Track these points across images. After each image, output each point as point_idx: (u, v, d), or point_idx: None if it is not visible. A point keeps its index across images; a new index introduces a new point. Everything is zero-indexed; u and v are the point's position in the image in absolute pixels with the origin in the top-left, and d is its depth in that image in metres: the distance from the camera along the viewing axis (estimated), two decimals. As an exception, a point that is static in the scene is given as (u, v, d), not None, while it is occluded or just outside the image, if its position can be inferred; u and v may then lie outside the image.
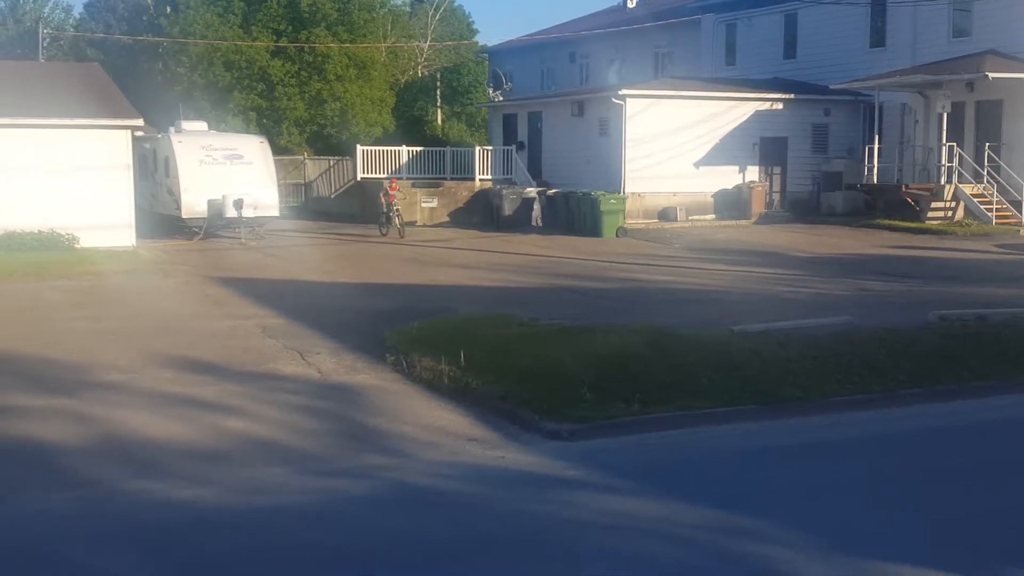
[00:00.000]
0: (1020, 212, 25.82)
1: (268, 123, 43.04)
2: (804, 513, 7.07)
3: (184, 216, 26.58)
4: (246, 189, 26.16)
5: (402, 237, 26.29)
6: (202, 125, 30.03)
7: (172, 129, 28.72)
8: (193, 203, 26.36)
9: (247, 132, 36.28)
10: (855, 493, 7.54)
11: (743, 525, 6.75)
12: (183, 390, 10.50)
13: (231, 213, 25.91)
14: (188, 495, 7.44)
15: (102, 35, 46.77)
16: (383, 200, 27.51)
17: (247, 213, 25.91)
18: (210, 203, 26.14)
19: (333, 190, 36.71)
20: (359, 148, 34.17)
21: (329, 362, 11.74)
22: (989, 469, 8.14)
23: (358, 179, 33.67)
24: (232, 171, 26.81)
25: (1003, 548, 6.44)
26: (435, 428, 9.23)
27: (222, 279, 18.91)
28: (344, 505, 7.32)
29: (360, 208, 33.22)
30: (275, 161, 29.30)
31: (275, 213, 27.23)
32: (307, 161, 38.41)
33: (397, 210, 27.14)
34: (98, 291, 17.51)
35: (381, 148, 34.58)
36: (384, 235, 26.85)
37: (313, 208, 35.61)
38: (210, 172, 26.64)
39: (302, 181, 37.68)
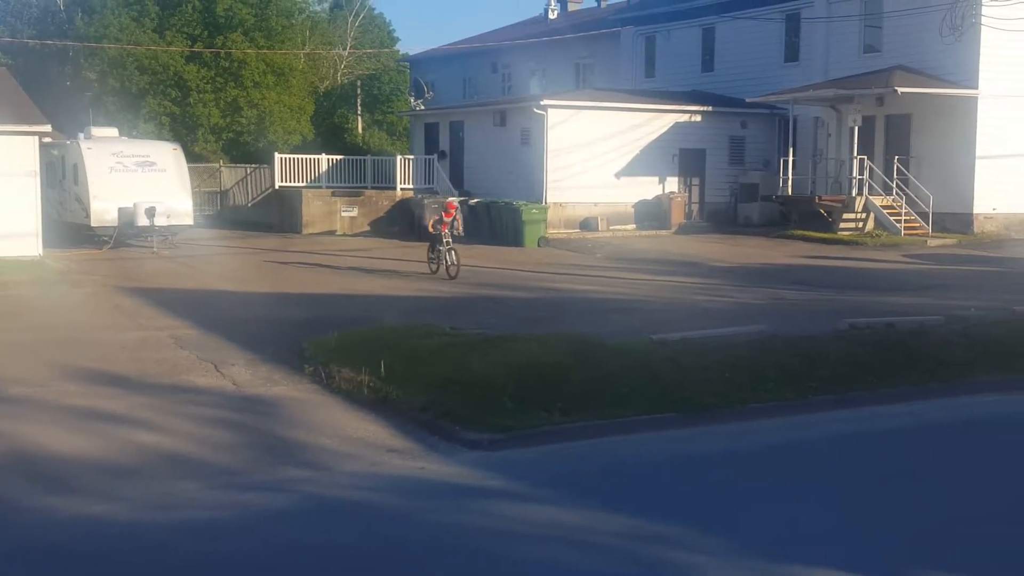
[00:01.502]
0: (927, 223, 26.61)
1: (182, 130, 42.19)
2: (720, 519, 7.14)
3: (93, 225, 25.96)
4: (158, 197, 25.64)
5: (452, 277, 19.86)
6: (113, 131, 29.30)
7: (81, 135, 27.98)
8: (103, 211, 25.76)
9: (160, 139, 35.52)
10: (769, 499, 7.65)
11: (661, 532, 6.79)
12: (92, 403, 10.20)
13: (143, 222, 25.40)
14: (97, 511, 7.24)
15: (9, 39, 45.36)
16: (431, 228, 20.56)
17: (159, 222, 25.41)
18: (120, 211, 25.57)
19: (250, 199, 36.15)
20: (277, 156, 33.73)
21: (245, 374, 11.50)
22: (898, 474, 8.33)
23: (276, 187, 33.23)
24: (144, 178, 26.24)
25: (909, 549, 6.58)
26: (354, 439, 9.10)
27: (133, 289, 18.45)
28: (258, 519, 7.16)
29: (278, 217, 32.79)
30: (189, 168, 28.75)
31: (189, 222, 26.74)
32: (223, 169, 37.77)
33: (448, 242, 20.13)
34: (2, 302, 16.93)
35: (300, 156, 34.17)
36: (434, 272, 20.44)
37: (229, 217, 35.02)
38: (121, 179, 26.04)
39: (218, 189, 37.04)
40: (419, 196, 31.47)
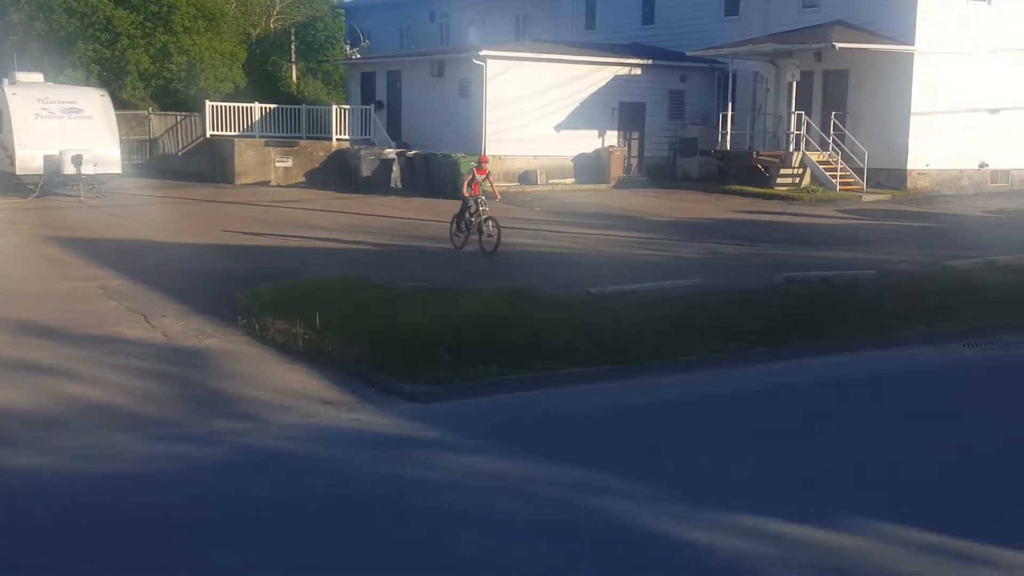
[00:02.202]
0: (863, 179, 26.96)
1: (111, 76, 41.03)
2: (655, 469, 7.21)
3: (18, 172, 25.36)
4: (86, 144, 25.04)
5: (489, 253, 16.24)
6: (38, 77, 28.45)
7: (6, 81, 27.22)
8: (28, 159, 25.16)
9: (87, 85, 34.50)
10: (703, 449, 7.72)
11: (597, 482, 6.82)
12: (18, 354, 9.95)
13: (69, 170, 24.82)
14: (24, 463, 7.07)
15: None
16: (466, 192, 16.82)
17: (87, 170, 24.84)
18: (47, 159, 24.97)
19: (180, 147, 35.36)
20: (208, 104, 32.95)
21: (176, 325, 11.28)
22: (830, 423, 8.47)
23: (207, 136, 32.53)
24: (70, 125, 25.59)
25: (838, 497, 6.69)
26: (289, 391, 8.98)
27: (60, 239, 17.97)
28: (191, 470, 7.05)
29: (210, 167, 32.14)
30: (118, 116, 28.03)
31: (117, 170, 26.15)
32: (152, 116, 36.84)
33: (484, 210, 16.62)
34: (-78, 250, 16.39)
35: (232, 104, 33.42)
36: (459, 248, 16.93)
37: (159, 166, 34.24)
38: (47, 126, 25.38)
39: (147, 137, 36.15)
40: (355, 147, 31.06)
